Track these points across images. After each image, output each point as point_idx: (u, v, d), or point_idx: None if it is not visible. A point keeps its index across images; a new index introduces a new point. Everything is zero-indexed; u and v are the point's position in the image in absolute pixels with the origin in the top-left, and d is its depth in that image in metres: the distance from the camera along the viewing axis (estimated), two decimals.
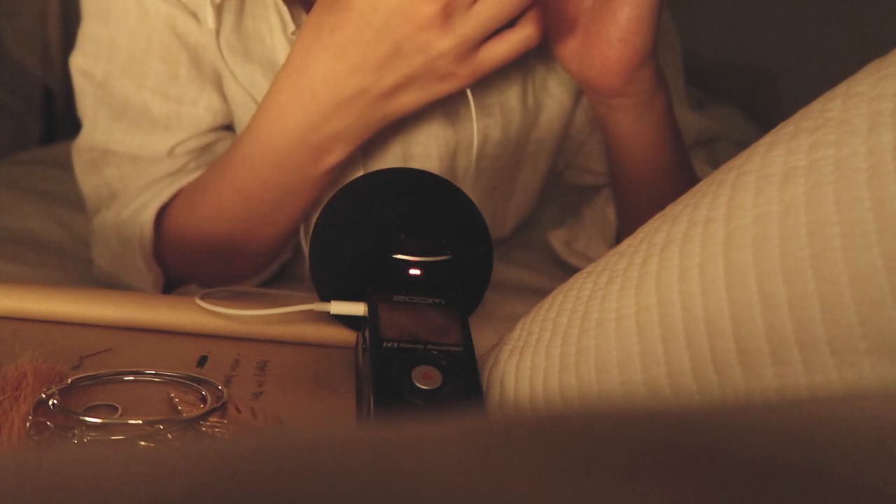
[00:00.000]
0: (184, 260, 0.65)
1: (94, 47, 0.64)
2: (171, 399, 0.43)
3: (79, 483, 0.16)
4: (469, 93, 0.58)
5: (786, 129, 0.36)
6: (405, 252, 0.45)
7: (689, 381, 0.34)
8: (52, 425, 0.39)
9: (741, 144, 0.40)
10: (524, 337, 0.43)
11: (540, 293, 0.49)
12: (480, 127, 0.63)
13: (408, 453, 0.17)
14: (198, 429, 0.41)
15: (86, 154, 0.67)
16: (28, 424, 0.39)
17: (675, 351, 0.35)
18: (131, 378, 0.45)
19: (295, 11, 0.61)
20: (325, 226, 0.47)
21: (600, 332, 0.38)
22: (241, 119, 0.64)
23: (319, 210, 0.47)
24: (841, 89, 0.35)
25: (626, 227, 0.69)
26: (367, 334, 0.42)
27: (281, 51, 0.61)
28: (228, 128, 0.67)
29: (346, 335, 0.50)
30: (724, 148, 0.77)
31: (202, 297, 0.51)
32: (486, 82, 0.63)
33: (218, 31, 0.61)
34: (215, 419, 0.41)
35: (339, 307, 0.45)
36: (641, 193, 0.65)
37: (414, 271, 0.45)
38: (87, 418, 0.40)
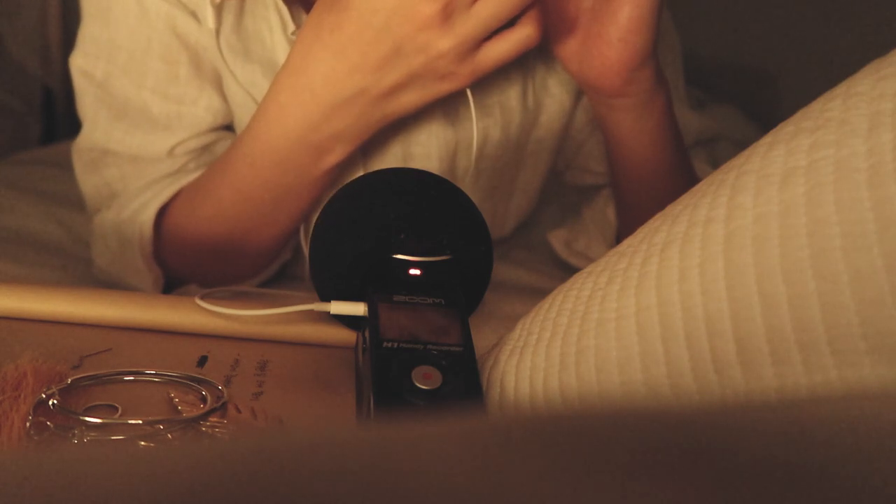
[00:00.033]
0: (184, 260, 0.65)
1: (94, 47, 0.64)
2: (171, 399, 0.43)
3: (79, 483, 0.16)
4: (469, 93, 0.58)
5: (786, 129, 0.36)
6: (405, 252, 0.45)
7: (689, 381, 0.34)
8: (52, 425, 0.39)
9: (741, 144, 0.40)
10: (524, 337, 0.43)
11: (540, 293, 0.49)
12: (480, 127, 0.63)
13: (408, 453, 0.17)
14: (198, 429, 0.41)
15: (86, 154, 0.67)
16: (28, 424, 0.39)
17: (675, 351, 0.35)
18: (131, 378, 0.45)
19: (295, 11, 0.61)
20: (325, 226, 0.47)
21: (600, 332, 0.38)
22: (241, 119, 0.64)
23: (319, 210, 0.47)
24: (841, 89, 0.35)
25: (626, 227, 0.69)
26: (367, 334, 0.42)
27: (281, 51, 0.61)
28: (228, 128, 0.67)
29: (346, 335, 0.50)
30: (724, 148, 0.77)
31: (202, 297, 0.51)
32: (486, 82, 0.63)
33: (218, 31, 0.61)
34: (215, 419, 0.41)
35: (339, 307, 0.45)
36: (641, 193, 0.65)
37: (414, 271, 0.45)
38: (87, 418, 0.40)
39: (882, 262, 0.30)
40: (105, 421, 0.40)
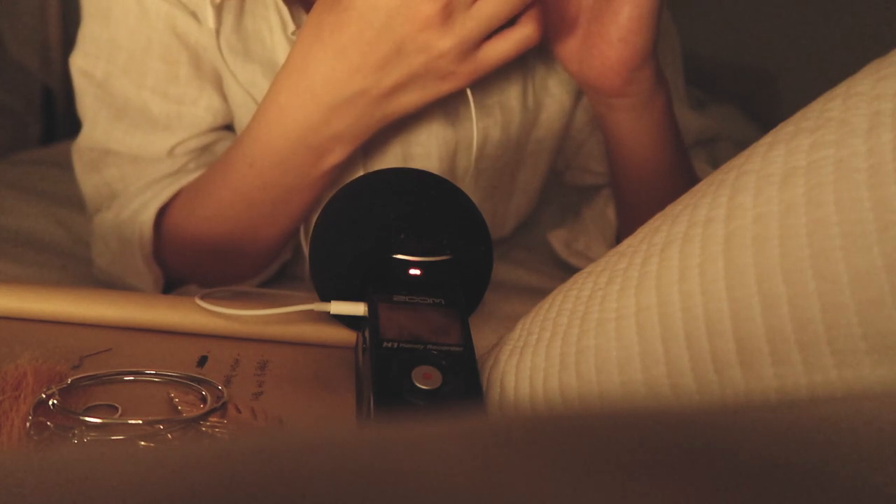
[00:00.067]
0: (184, 260, 0.65)
1: (94, 47, 0.64)
2: (171, 399, 0.43)
3: (78, 483, 0.16)
4: (469, 92, 0.58)
5: (786, 129, 0.36)
6: (405, 252, 0.45)
7: (689, 381, 0.34)
8: (52, 425, 0.39)
9: (741, 144, 0.40)
10: (524, 337, 0.43)
11: (540, 293, 0.49)
12: (480, 127, 0.63)
13: (408, 453, 0.17)
14: (198, 429, 0.41)
15: (86, 154, 0.67)
16: (28, 424, 0.39)
17: (675, 351, 0.35)
18: (131, 378, 0.45)
19: (295, 11, 0.61)
20: (325, 226, 0.47)
21: (600, 332, 0.38)
22: (241, 119, 0.64)
23: (319, 210, 0.47)
24: (841, 89, 0.35)
25: (626, 227, 0.69)
26: (367, 334, 0.42)
27: (281, 51, 0.61)
28: (228, 128, 0.67)
29: (346, 335, 0.50)
30: (724, 148, 0.77)
31: (202, 297, 0.51)
32: (486, 82, 0.63)
33: (218, 31, 0.61)
34: (215, 419, 0.41)
35: (339, 307, 0.45)
36: (641, 193, 0.65)
37: (414, 271, 0.45)
38: (87, 418, 0.40)
39: (882, 262, 0.30)
40: (105, 421, 0.40)
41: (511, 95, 0.65)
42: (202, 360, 0.48)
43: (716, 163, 0.72)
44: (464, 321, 0.43)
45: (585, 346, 0.38)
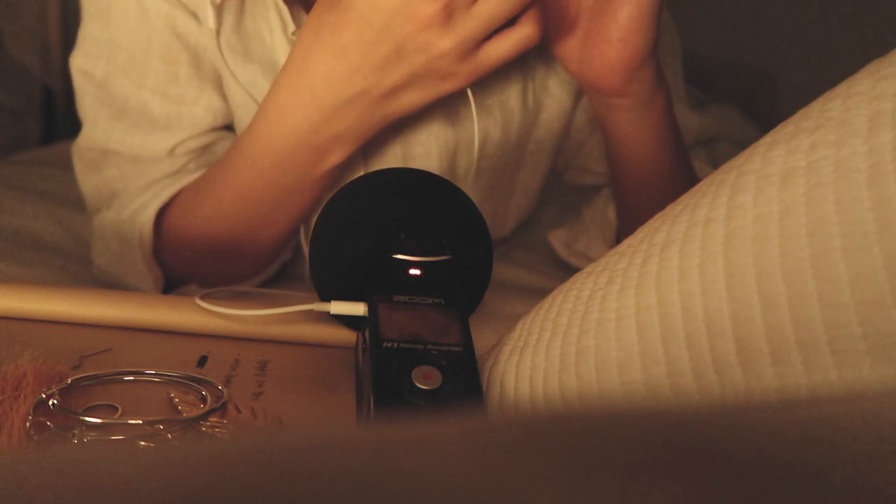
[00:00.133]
0: (184, 260, 0.65)
1: (94, 47, 0.64)
2: (171, 399, 0.43)
3: (78, 483, 0.16)
4: (469, 92, 0.58)
5: (786, 129, 0.36)
6: (405, 252, 0.45)
7: (689, 381, 0.34)
8: (52, 425, 0.39)
9: (741, 144, 0.40)
10: (524, 337, 0.43)
11: (540, 293, 0.49)
12: (481, 127, 0.63)
13: (408, 453, 0.17)
14: (198, 429, 0.41)
15: (86, 154, 0.67)
16: (28, 424, 0.39)
17: (675, 351, 0.35)
18: (131, 378, 0.45)
19: (295, 11, 0.61)
20: (325, 226, 0.47)
21: (600, 332, 0.38)
22: (242, 119, 0.64)
23: (319, 210, 0.48)
24: (841, 89, 0.35)
25: (626, 227, 0.69)
26: (367, 334, 0.42)
27: (281, 51, 0.61)
28: (228, 128, 0.67)
29: (346, 335, 0.50)
30: (724, 148, 0.77)
31: (202, 297, 0.51)
32: (486, 82, 0.63)
33: (218, 31, 0.61)
34: (215, 419, 0.41)
35: (339, 307, 0.45)
36: (641, 193, 0.65)
37: (414, 271, 0.45)
38: (87, 418, 0.40)
39: (882, 262, 0.30)
40: (105, 421, 0.40)
41: (511, 95, 0.65)
42: (202, 360, 0.48)
43: (716, 163, 0.72)
44: (464, 321, 0.43)
45: (585, 346, 0.38)
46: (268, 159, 0.57)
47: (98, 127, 0.65)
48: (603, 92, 0.59)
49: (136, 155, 0.65)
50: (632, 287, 0.38)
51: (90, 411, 0.41)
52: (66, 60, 0.68)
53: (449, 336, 0.41)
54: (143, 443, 0.39)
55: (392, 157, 0.63)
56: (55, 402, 0.40)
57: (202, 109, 0.64)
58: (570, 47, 0.58)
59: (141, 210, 0.64)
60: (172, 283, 0.67)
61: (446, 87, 0.54)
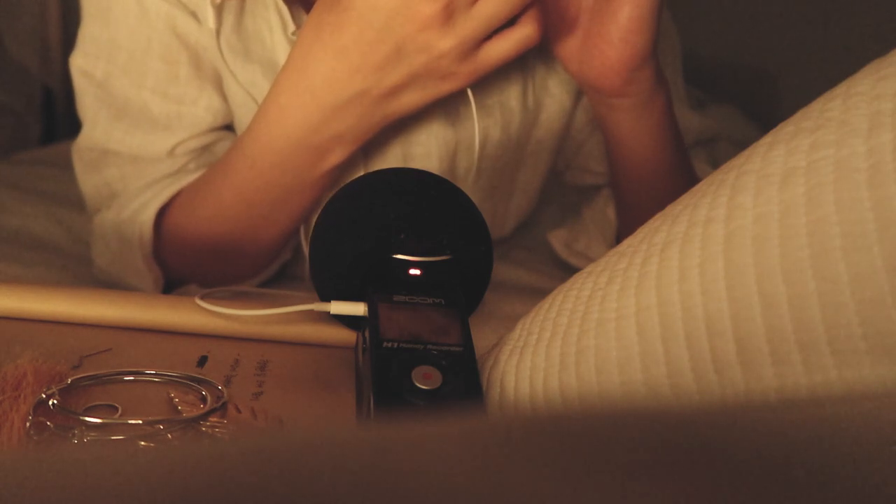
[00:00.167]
0: (184, 260, 0.65)
1: (94, 47, 0.64)
2: (171, 399, 0.43)
3: (79, 483, 0.16)
4: (470, 93, 0.58)
5: (786, 129, 0.36)
6: (405, 252, 0.45)
7: (689, 381, 0.34)
8: (52, 425, 0.39)
9: (741, 144, 0.40)
10: (524, 337, 0.43)
11: (540, 293, 0.49)
12: (481, 127, 0.63)
13: (408, 453, 0.17)
14: (198, 429, 0.41)
15: (86, 154, 0.67)
16: (28, 424, 0.39)
17: (675, 351, 0.35)
18: (131, 378, 0.45)
19: (295, 11, 0.61)
20: (325, 226, 0.47)
21: (600, 332, 0.38)
22: (242, 119, 0.64)
23: (319, 210, 0.48)
24: (841, 89, 0.35)
25: (626, 227, 0.69)
26: (367, 334, 0.42)
27: (281, 51, 0.61)
28: (229, 128, 0.67)
29: (346, 335, 0.50)
30: (724, 148, 0.77)
31: (202, 297, 0.51)
32: (487, 82, 0.63)
33: (218, 31, 0.61)
34: (215, 419, 0.41)
35: (339, 307, 0.45)
36: (641, 193, 0.65)
37: (414, 271, 0.45)
38: (87, 418, 0.40)
39: (882, 262, 0.30)
40: (105, 421, 0.40)
41: (511, 95, 0.65)
42: (202, 360, 0.48)
43: (716, 163, 0.72)
44: (464, 321, 0.43)
45: (585, 346, 0.38)
46: (268, 159, 0.57)
47: (98, 127, 0.65)
48: (603, 92, 0.59)
49: (136, 155, 0.65)
50: (632, 287, 0.38)
51: (90, 411, 0.41)
52: (66, 60, 0.68)
53: (449, 336, 0.41)
54: (143, 443, 0.39)
55: (392, 157, 0.63)
56: (55, 402, 0.40)
57: (202, 109, 0.64)
58: (570, 47, 0.58)
59: (141, 210, 0.64)
60: (172, 283, 0.67)
61: (446, 87, 0.54)
